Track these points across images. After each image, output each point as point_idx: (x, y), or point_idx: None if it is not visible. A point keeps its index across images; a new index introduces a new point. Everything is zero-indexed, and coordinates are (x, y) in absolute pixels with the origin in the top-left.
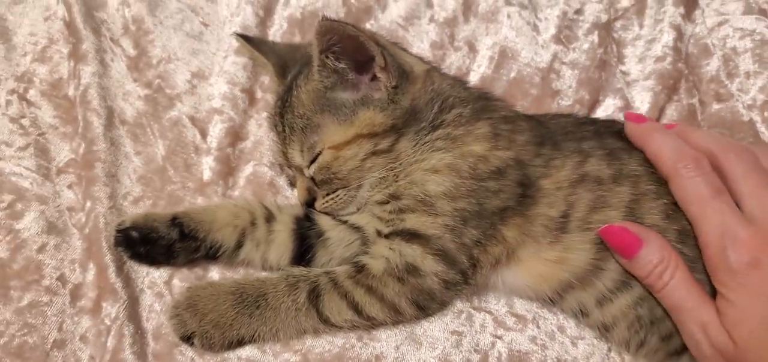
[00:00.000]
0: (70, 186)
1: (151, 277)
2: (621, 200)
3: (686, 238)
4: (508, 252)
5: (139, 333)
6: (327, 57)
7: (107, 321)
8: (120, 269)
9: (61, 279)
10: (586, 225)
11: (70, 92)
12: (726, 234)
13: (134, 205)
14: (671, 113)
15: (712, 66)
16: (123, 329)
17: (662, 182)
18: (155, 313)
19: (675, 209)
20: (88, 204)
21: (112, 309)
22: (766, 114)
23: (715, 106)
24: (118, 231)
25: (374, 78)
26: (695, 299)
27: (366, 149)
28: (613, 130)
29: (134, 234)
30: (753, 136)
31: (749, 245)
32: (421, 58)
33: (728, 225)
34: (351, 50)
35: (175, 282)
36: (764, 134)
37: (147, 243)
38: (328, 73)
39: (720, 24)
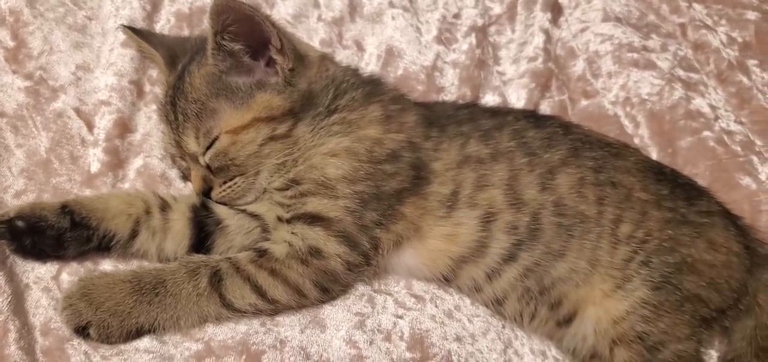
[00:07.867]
0: None
1: (36, 272)
2: (501, 178)
3: (562, 208)
4: (411, 228)
5: (27, 329)
6: (222, 38)
7: None
8: (3, 263)
9: None
10: (473, 203)
11: None
12: None
13: (16, 199)
14: (545, 108)
15: (579, 66)
16: (8, 324)
17: (533, 153)
18: (43, 308)
19: (549, 179)
20: None
21: None
22: (628, 109)
23: (584, 103)
24: (1, 222)
25: (269, 63)
26: None
27: (264, 134)
28: (485, 110)
29: (20, 224)
30: (618, 128)
31: None
32: (313, 47)
33: None
34: (246, 32)
35: (64, 276)
36: (628, 127)
37: (34, 233)
38: (223, 57)
39: (582, 30)
